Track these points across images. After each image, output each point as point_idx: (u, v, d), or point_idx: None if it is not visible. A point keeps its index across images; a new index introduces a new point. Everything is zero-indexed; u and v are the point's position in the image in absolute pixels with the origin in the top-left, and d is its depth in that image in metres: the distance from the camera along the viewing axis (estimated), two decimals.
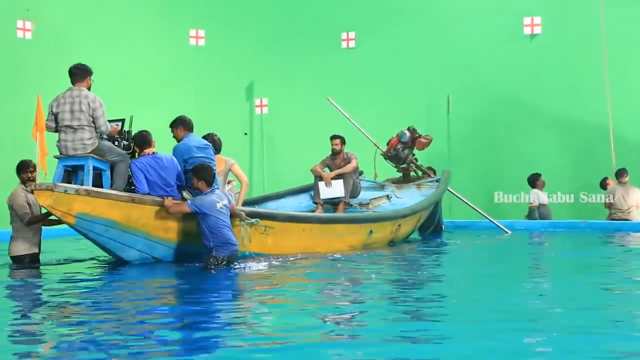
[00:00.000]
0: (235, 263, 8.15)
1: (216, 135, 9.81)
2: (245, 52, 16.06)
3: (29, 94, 13.16)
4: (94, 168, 8.21)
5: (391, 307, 5.66)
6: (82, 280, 7.61)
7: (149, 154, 8.49)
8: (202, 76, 15.82)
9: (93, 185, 8.12)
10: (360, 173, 12.50)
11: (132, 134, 8.75)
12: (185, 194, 8.50)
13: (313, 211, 11.11)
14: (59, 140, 8.25)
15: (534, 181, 13.97)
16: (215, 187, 8.26)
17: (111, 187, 8.26)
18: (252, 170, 16.28)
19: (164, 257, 8.45)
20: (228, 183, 9.98)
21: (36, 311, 5.83)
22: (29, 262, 8.48)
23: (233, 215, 8.49)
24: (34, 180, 8.33)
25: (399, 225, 10.96)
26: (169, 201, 8.16)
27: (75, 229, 8.06)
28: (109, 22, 14.87)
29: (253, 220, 8.67)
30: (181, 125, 8.96)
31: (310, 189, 11.56)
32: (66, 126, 8.18)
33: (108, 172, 8.34)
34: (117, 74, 14.64)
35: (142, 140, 8.62)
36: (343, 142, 11.40)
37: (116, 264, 8.42)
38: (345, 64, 16.03)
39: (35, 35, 14.09)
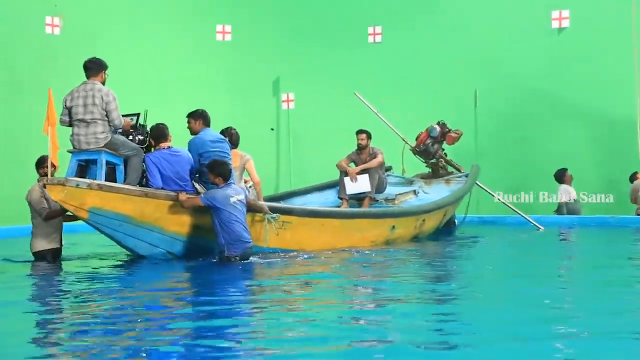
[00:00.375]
0: (249, 260, 8.07)
1: (234, 129, 9.82)
2: (271, 47, 16.04)
3: (58, 89, 13.34)
4: (108, 162, 8.19)
5: (418, 305, 5.56)
6: (99, 277, 7.63)
7: (164, 148, 8.45)
8: (228, 72, 15.83)
9: (107, 180, 8.10)
10: (389, 168, 12.48)
11: (147, 128, 8.71)
12: (199, 188, 8.50)
13: (339, 207, 11.01)
14: (72, 135, 8.24)
15: (561, 177, 13.88)
16: (231, 181, 8.19)
17: (125, 181, 8.22)
18: (279, 166, 16.31)
19: (179, 252, 8.42)
20: (245, 182, 9.90)
21: (50, 308, 5.79)
22: (51, 258, 8.46)
23: (255, 210, 8.47)
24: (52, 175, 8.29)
25: (423, 220, 10.85)
26: (182, 195, 8.12)
27: (89, 223, 8.06)
28: (136, 17, 14.93)
29: (274, 215, 8.61)
30: (201, 118, 8.87)
31: (337, 185, 11.45)
32: (79, 120, 8.16)
33: (122, 167, 8.30)
34: (144, 69, 14.76)
35: (159, 133, 8.57)
36: (369, 136, 11.28)
37: (134, 259, 8.44)
38: (371, 59, 15.97)
39: (64, 31, 14.18)
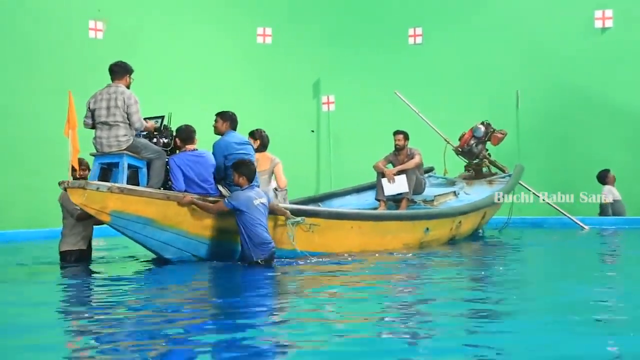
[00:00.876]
0: (272, 263, 7.98)
1: (264, 132, 9.73)
2: (312, 49, 16.08)
3: None
4: (130, 166, 8.15)
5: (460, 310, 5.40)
6: (117, 279, 7.61)
7: (189, 151, 8.41)
8: (269, 74, 15.88)
9: (131, 183, 8.07)
10: (430, 169, 12.41)
11: (171, 131, 8.66)
12: (224, 191, 8.41)
13: (376, 208, 10.90)
14: (94, 137, 8.23)
15: (603, 177, 13.72)
16: (255, 184, 8.13)
17: (147, 184, 8.18)
18: (319, 168, 16.33)
19: (204, 254, 8.34)
20: (276, 189, 9.74)
21: (60, 311, 5.75)
22: (75, 259, 8.47)
23: (277, 213, 8.38)
24: (85, 178, 8.33)
25: (460, 222, 10.64)
26: (188, 197, 7.99)
27: (112, 226, 7.99)
28: (177, 21, 15.04)
29: (298, 218, 8.50)
30: (229, 120, 8.81)
31: (375, 186, 11.30)
32: (102, 123, 8.15)
33: (144, 170, 8.26)
34: (185, 72, 14.87)
35: (186, 135, 8.52)
36: (406, 137, 11.18)
37: (159, 262, 8.39)
38: (412, 60, 15.94)
39: (107, 34, 14.34)
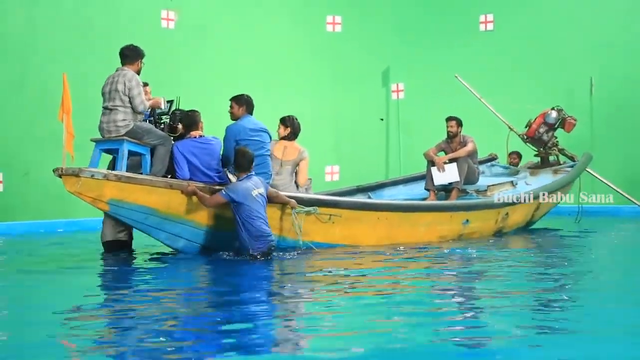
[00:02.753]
0: (272, 255, 7.75)
1: (296, 119, 9.32)
2: (381, 37, 16.00)
3: (172, 83, 13.63)
4: (133, 152, 7.92)
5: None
6: (141, 270, 7.59)
7: (195, 137, 8.14)
8: (338, 62, 15.85)
9: (137, 171, 7.86)
10: (493, 158, 12.18)
11: (180, 115, 8.38)
12: (232, 178, 8.18)
13: (426, 198, 10.62)
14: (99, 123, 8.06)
15: None
16: (252, 173, 7.83)
17: (150, 171, 7.90)
18: (388, 156, 16.26)
19: (214, 245, 8.06)
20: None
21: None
22: (117, 248, 8.37)
23: (280, 202, 8.12)
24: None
25: (507, 213, 10.23)
26: (192, 187, 7.74)
27: (113, 215, 7.78)
28: (248, 9, 15.09)
29: (310, 208, 8.23)
30: (245, 104, 8.58)
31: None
32: (104, 107, 7.99)
33: (147, 157, 7.98)
34: (254, 60, 14.93)
35: (190, 121, 8.24)
36: (459, 124, 10.82)
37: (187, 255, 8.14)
38: (483, 47, 15.72)
39: (178, 25, 14.51)
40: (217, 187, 7.89)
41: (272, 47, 15.27)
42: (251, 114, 8.62)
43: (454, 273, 7.12)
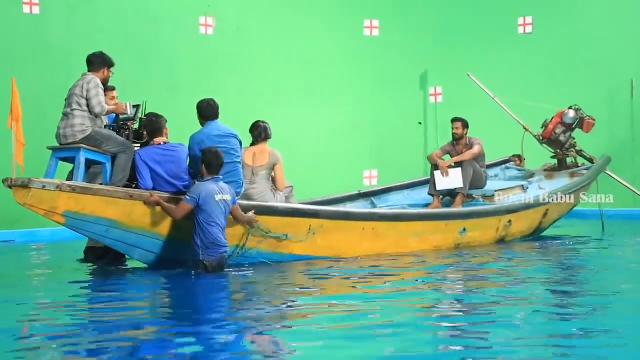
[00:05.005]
0: (225, 268, 7.34)
1: (262, 122, 8.83)
2: (419, 40, 15.95)
3: (212, 89, 13.73)
4: (93, 161, 7.52)
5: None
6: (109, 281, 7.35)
7: (158, 144, 7.68)
8: (376, 66, 15.86)
9: (98, 180, 7.52)
10: (509, 160, 11.85)
11: (141, 122, 7.92)
12: None
13: (429, 204, 10.25)
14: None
15: None
16: (220, 177, 7.40)
17: (110, 181, 7.43)
18: (427, 160, 16.19)
19: (180, 256, 7.55)
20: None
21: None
22: (92, 255, 8.20)
23: (240, 221, 7.60)
24: None
25: (509, 221, 9.74)
26: (155, 197, 7.27)
27: (70, 228, 7.32)
28: (285, 14, 15.23)
29: (263, 228, 7.70)
30: (198, 112, 7.98)
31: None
32: (62, 113, 7.57)
33: (108, 165, 7.51)
34: (292, 65, 15.04)
35: (153, 127, 7.76)
36: (465, 125, 10.43)
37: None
38: (521, 50, 15.59)
39: (216, 30, 14.63)
40: (180, 196, 7.44)
41: (310, 51, 15.38)
42: (212, 118, 7.97)
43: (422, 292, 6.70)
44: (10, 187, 6.86)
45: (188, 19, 14.40)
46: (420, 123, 16.30)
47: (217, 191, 7.25)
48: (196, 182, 7.61)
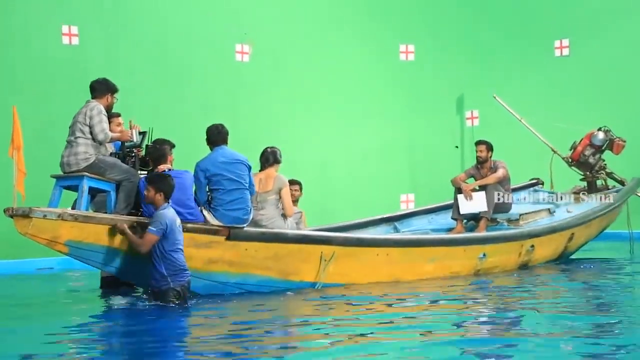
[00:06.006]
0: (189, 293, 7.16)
1: (271, 148, 8.77)
2: (455, 64, 15.94)
3: (246, 115, 14.03)
4: (98, 189, 7.44)
5: None
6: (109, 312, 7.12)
7: (163, 171, 7.57)
8: (412, 90, 15.89)
9: (104, 208, 7.40)
10: (536, 183, 11.73)
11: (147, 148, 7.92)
12: (208, 216, 7.64)
13: (452, 229, 10.14)
14: None
15: None
16: (170, 203, 7.16)
17: (114, 209, 7.35)
18: None
19: (192, 288, 7.40)
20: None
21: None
22: (117, 284, 8.07)
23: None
24: None
25: (532, 246, 9.55)
26: (121, 226, 7.04)
27: (74, 258, 7.25)
28: (321, 40, 15.37)
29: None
30: (206, 137, 7.94)
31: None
32: (66, 141, 7.52)
33: (112, 193, 7.43)
34: (328, 91, 15.18)
35: (157, 154, 7.73)
36: (489, 148, 10.34)
37: None
38: (558, 73, 15.50)
39: (252, 58, 14.86)
40: (145, 221, 7.21)
41: (346, 77, 15.50)
42: (219, 144, 7.92)
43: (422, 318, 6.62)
44: (11, 216, 6.77)
45: (224, 47, 14.60)
46: (457, 147, 16.27)
47: (175, 217, 7.08)
48: (203, 209, 7.63)
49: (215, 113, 14.04)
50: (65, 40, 12.88)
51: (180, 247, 7.00)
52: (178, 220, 7.06)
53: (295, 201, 9.52)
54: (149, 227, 6.96)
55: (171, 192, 7.13)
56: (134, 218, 7.33)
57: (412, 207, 15.16)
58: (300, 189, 10.00)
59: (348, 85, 15.45)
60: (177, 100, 13.86)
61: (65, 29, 12.86)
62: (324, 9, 15.44)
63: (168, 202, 7.11)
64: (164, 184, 7.11)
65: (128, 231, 7.04)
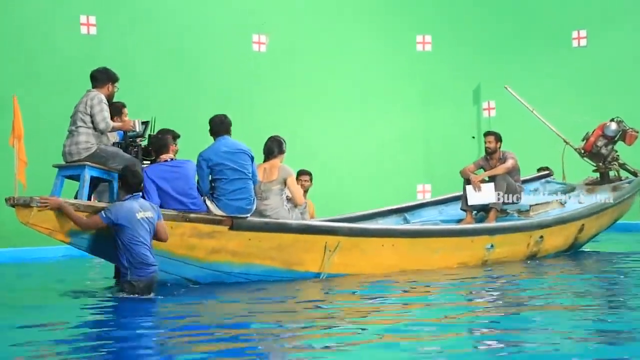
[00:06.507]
0: (155, 289, 6.93)
1: (275, 138, 8.60)
2: (471, 55, 15.96)
3: (266, 106, 14.10)
4: (99, 178, 7.40)
5: None
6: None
7: (165, 161, 7.57)
8: (429, 81, 15.95)
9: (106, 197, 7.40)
10: (547, 174, 11.65)
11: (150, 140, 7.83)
12: (211, 206, 7.56)
13: (461, 220, 10.12)
14: None
15: None
16: (138, 194, 7.01)
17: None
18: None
19: (195, 277, 7.55)
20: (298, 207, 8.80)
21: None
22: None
23: (162, 238, 7.13)
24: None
25: (541, 237, 9.48)
26: (55, 201, 6.83)
27: (78, 248, 7.19)
28: (338, 31, 15.46)
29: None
30: (209, 128, 7.85)
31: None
32: (68, 131, 7.47)
33: (115, 183, 7.38)
34: (346, 82, 15.27)
35: (159, 144, 7.68)
36: (498, 139, 10.22)
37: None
38: (576, 63, 15.47)
39: (269, 48, 14.94)
40: (101, 206, 7.08)
41: (363, 67, 15.56)
42: (222, 134, 7.84)
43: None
44: (13, 206, 6.75)
45: (241, 37, 14.70)
46: (473, 137, 16.27)
47: (137, 209, 6.87)
48: (206, 199, 7.61)
49: (232, 103, 14.19)
50: (84, 30, 13.06)
51: (142, 240, 6.83)
52: (142, 214, 6.86)
53: (305, 191, 9.59)
54: (103, 210, 6.87)
55: (134, 185, 6.98)
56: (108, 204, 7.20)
57: (428, 198, 15.22)
58: (311, 179, 10.02)
59: (365, 76, 15.51)
60: (193, 91, 13.95)
61: (83, 18, 13.03)
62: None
63: (134, 195, 6.96)
64: (125, 177, 7.00)
65: (67, 207, 6.83)
